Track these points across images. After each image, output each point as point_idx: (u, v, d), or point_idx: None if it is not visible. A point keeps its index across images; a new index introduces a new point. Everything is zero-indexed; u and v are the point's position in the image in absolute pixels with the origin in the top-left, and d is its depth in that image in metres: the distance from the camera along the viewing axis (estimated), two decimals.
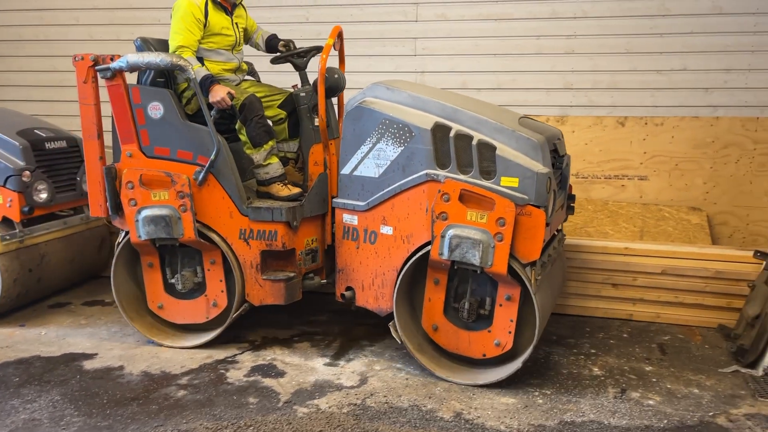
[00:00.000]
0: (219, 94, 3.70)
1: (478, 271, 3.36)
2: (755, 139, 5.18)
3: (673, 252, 4.33)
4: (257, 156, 3.86)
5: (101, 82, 3.79)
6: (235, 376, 3.63)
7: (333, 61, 4.17)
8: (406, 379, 3.60)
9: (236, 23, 4.07)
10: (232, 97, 3.73)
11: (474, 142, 3.36)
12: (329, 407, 3.27)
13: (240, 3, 4.13)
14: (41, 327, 4.34)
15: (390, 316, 3.68)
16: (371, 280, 3.71)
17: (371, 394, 3.41)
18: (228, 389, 3.47)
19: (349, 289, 3.81)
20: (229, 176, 3.76)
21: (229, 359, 3.84)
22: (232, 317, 3.87)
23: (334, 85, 3.91)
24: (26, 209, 4.36)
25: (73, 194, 4.80)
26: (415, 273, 3.62)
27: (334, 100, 4.25)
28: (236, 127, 3.88)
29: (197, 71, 3.72)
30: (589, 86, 5.58)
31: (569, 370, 3.70)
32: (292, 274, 3.84)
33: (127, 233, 3.90)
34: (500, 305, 3.43)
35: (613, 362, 3.80)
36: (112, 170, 3.84)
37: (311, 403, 3.32)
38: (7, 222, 4.37)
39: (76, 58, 3.79)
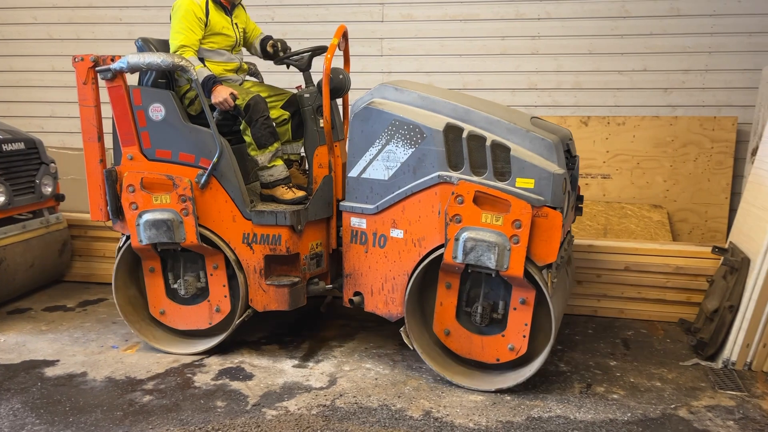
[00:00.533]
0: (222, 94, 3.63)
1: (493, 275, 3.30)
2: (712, 137, 5.32)
3: (635, 249, 4.43)
4: (262, 158, 3.79)
5: (101, 83, 3.70)
6: (203, 379, 3.58)
7: (337, 62, 4.10)
8: (376, 379, 3.60)
9: (236, 23, 4.01)
10: (234, 98, 3.66)
11: (488, 143, 3.27)
12: (298, 409, 3.26)
13: (239, 3, 4.07)
14: (0, 333, 4.22)
15: (399, 322, 3.61)
16: (381, 284, 3.62)
17: (340, 395, 3.40)
18: (195, 393, 3.42)
19: (357, 294, 3.71)
20: (232, 179, 3.68)
21: (197, 363, 3.79)
22: (236, 323, 3.78)
23: (338, 86, 3.80)
24: None
25: (31, 197, 4.68)
26: (425, 277, 3.54)
27: (339, 101, 4.13)
28: (241, 128, 3.79)
29: (199, 71, 3.64)
30: (553, 86, 5.67)
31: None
32: (296, 279, 3.75)
33: (128, 238, 3.81)
34: (514, 309, 3.35)
35: (579, 358, 3.87)
36: (112, 173, 3.74)
37: (280, 405, 3.30)
38: None
39: (76, 59, 3.69)
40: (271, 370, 3.70)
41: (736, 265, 3.79)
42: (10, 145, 4.54)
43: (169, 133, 3.69)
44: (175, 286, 3.88)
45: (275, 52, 4.11)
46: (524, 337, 3.36)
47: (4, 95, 6.51)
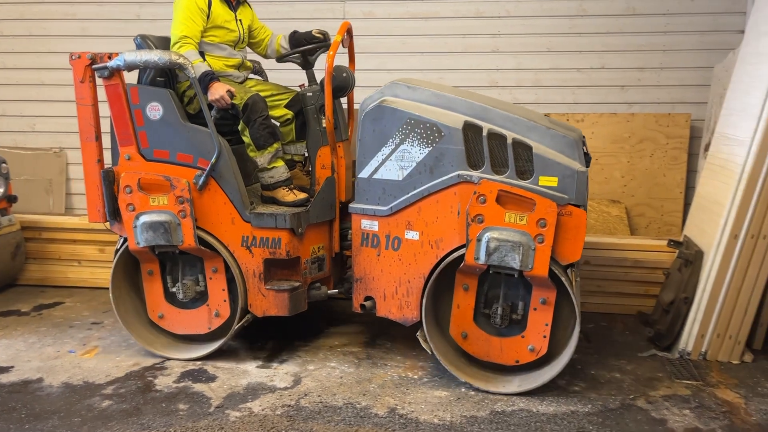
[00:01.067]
0: (218, 92, 3.54)
1: (516, 275, 3.25)
2: (667, 134, 5.46)
3: (595, 243, 4.51)
4: (261, 159, 3.70)
5: (99, 81, 3.58)
6: (164, 382, 3.52)
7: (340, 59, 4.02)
8: (341, 377, 3.59)
9: (240, 20, 3.91)
10: (232, 95, 3.57)
11: (509, 141, 3.22)
12: (263, 410, 3.23)
13: (245, 1, 4.00)
14: None
15: (414, 326, 3.54)
16: (394, 288, 3.53)
17: (305, 394, 3.39)
18: (156, 397, 3.36)
19: (368, 299, 3.61)
20: (231, 180, 3.58)
21: (158, 366, 3.72)
22: (235, 329, 3.69)
23: (342, 85, 3.69)
24: None
25: None
26: (437, 280, 3.45)
27: (343, 100, 4.03)
28: (239, 128, 3.70)
29: (197, 66, 3.55)
30: (514, 84, 5.74)
31: None
32: (297, 284, 3.66)
33: (125, 239, 3.70)
34: (534, 309, 3.30)
35: None
36: (110, 174, 3.63)
37: (244, 406, 3.26)
38: None
39: (73, 57, 3.57)
40: (234, 371, 3.66)
41: (690, 258, 3.89)
42: None
43: (167, 132, 3.59)
44: (174, 289, 3.78)
45: (326, 38, 3.93)
46: (545, 337, 3.31)
47: None
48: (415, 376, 3.59)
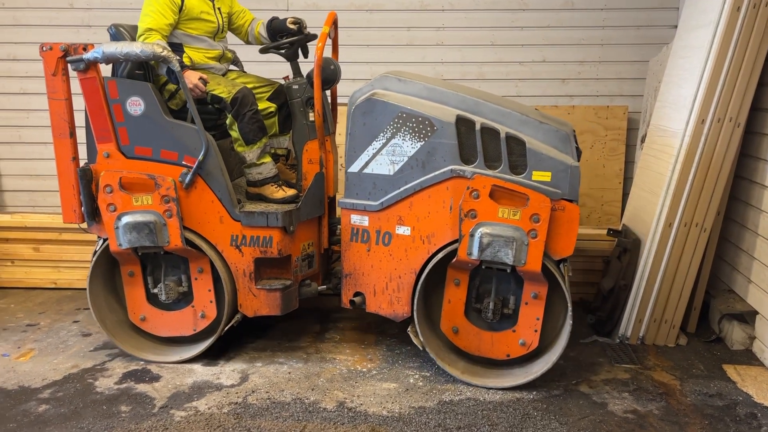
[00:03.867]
0: (191, 79, 3.41)
1: (508, 270, 3.26)
2: (606, 126, 5.62)
3: None
4: (250, 154, 3.59)
5: (73, 74, 3.37)
6: (105, 384, 3.42)
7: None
8: (289, 373, 3.56)
9: (218, 8, 3.77)
10: (205, 82, 3.45)
11: (502, 136, 3.21)
12: (209, 408, 3.17)
13: None
14: None
15: (405, 322, 3.53)
16: (384, 284, 3.50)
17: (253, 391, 3.35)
18: (97, 399, 3.26)
19: (357, 294, 3.58)
20: (219, 178, 3.46)
21: (98, 367, 3.61)
22: (223, 329, 3.59)
23: (330, 77, 3.61)
24: None
25: None
26: (430, 274, 3.43)
27: (327, 93, 3.93)
28: (227, 122, 3.58)
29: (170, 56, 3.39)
30: (459, 77, 5.78)
31: None
32: (288, 282, 3.59)
33: (105, 241, 3.52)
34: (526, 303, 3.32)
35: None
36: (87, 172, 3.45)
37: (189, 405, 3.20)
38: None
39: (44, 48, 3.36)
40: (179, 371, 3.58)
41: (628, 246, 4.02)
42: None
43: (150, 128, 3.44)
44: (156, 290, 3.65)
45: (300, 28, 3.82)
46: (536, 331, 3.34)
47: None
48: (364, 369, 3.60)
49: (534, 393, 3.35)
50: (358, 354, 3.80)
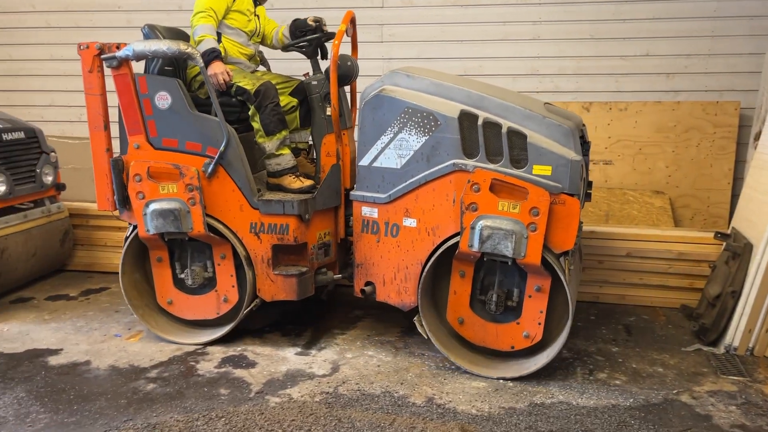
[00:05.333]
0: (216, 69, 3.62)
1: (509, 263, 3.28)
2: (715, 122, 5.29)
3: (637, 235, 4.42)
4: (269, 145, 3.76)
5: (107, 71, 3.66)
6: (206, 367, 3.59)
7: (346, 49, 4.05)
8: (378, 366, 3.61)
9: (258, 15, 4.04)
10: (229, 77, 3.65)
11: (504, 130, 3.24)
12: (301, 396, 3.27)
13: (262, 2, 4.12)
14: (3, 323, 4.23)
15: (412, 312, 3.60)
16: (393, 274, 3.60)
17: (343, 382, 3.41)
18: (199, 381, 3.44)
19: (368, 284, 3.68)
20: (240, 168, 3.64)
21: (199, 351, 3.80)
22: (243, 313, 3.77)
23: (347, 73, 3.74)
24: None
25: (32, 186, 4.68)
26: (436, 266, 3.50)
27: (347, 88, 4.07)
28: (249, 113, 3.77)
29: (207, 41, 3.63)
30: (555, 72, 5.63)
31: None
32: (304, 269, 3.72)
33: (135, 227, 3.80)
34: (529, 296, 3.35)
35: (581, 344, 3.87)
36: (119, 162, 3.72)
37: (283, 392, 3.31)
38: None
39: (81, 47, 3.66)
40: (273, 358, 3.71)
41: (738, 251, 3.78)
42: (10, 134, 4.53)
43: (176, 121, 3.65)
44: (183, 275, 3.87)
45: (319, 26, 3.97)
46: (539, 324, 3.35)
47: (3, 84, 6.48)
48: (453, 367, 3.59)
49: (631, 400, 3.22)
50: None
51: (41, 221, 4.79)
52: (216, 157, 3.62)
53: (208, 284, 3.89)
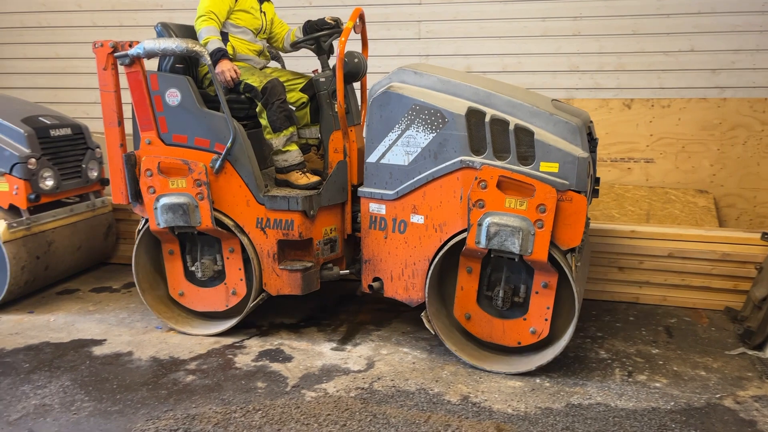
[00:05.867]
0: (224, 66, 3.69)
1: (516, 259, 3.29)
2: (763, 120, 5.14)
3: (679, 235, 4.32)
4: (276, 141, 3.82)
5: (121, 69, 3.77)
6: (243, 361, 3.65)
7: (357, 46, 4.10)
8: (413, 363, 3.61)
9: (264, 12, 4.09)
10: (236, 75, 3.71)
11: (511, 127, 3.25)
12: (337, 391, 3.29)
13: None
14: (50, 314, 4.37)
15: (420, 307, 3.63)
16: (401, 270, 3.62)
17: (378, 378, 3.43)
18: (236, 374, 3.49)
19: (376, 279, 3.72)
20: (246, 164, 3.71)
21: (237, 344, 3.86)
22: (250, 306, 3.85)
23: (353, 70, 3.80)
24: (32, 197, 4.38)
25: (78, 181, 4.81)
26: (443, 262, 3.53)
27: (357, 85, 4.13)
28: (257, 110, 3.84)
29: (212, 42, 3.70)
30: (595, 68, 5.54)
31: (576, 353, 3.71)
32: (309, 264, 3.77)
33: (147, 221, 3.90)
34: (536, 293, 3.35)
35: (620, 345, 3.81)
36: (131, 157, 3.82)
37: (319, 387, 3.34)
38: (14, 209, 4.38)
39: (96, 45, 3.78)
40: (309, 353, 3.74)
41: None
42: (58, 130, 4.67)
43: (185, 118, 3.74)
44: (193, 268, 3.96)
45: (337, 24, 4.04)
46: (546, 320, 3.36)
47: (50, 82, 6.69)
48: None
49: (672, 403, 3.15)
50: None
51: (86, 215, 4.92)
52: (223, 153, 3.69)
53: (218, 277, 3.97)
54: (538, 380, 3.39)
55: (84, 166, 4.85)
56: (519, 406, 3.14)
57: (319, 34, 3.99)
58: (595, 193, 3.93)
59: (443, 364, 3.59)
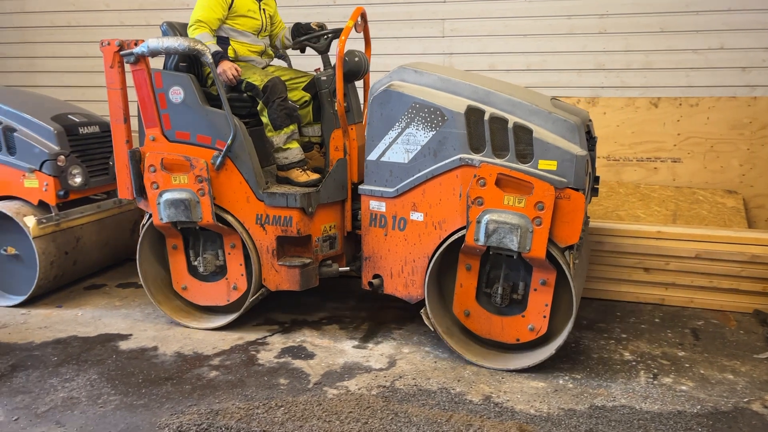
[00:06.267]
0: (225, 65, 3.75)
1: (515, 257, 3.32)
2: None
3: (707, 236, 4.24)
4: (277, 139, 3.87)
5: (127, 67, 3.85)
6: (266, 357, 3.68)
7: (359, 45, 4.14)
8: (435, 362, 3.60)
9: (264, 9, 4.11)
10: (238, 72, 3.77)
11: (510, 125, 3.28)
12: (359, 389, 3.30)
13: None
14: (78, 308, 4.45)
15: (419, 303, 3.66)
16: (400, 267, 3.67)
17: (400, 377, 3.43)
18: (259, 370, 3.52)
19: (376, 276, 3.76)
20: (246, 161, 3.76)
21: (260, 341, 3.89)
22: (250, 301, 3.90)
23: (354, 69, 3.84)
24: (62, 193, 4.45)
25: (106, 178, 4.88)
26: (443, 259, 3.57)
27: (360, 83, 4.19)
28: (258, 108, 3.88)
29: (209, 46, 3.76)
30: (622, 67, 5.47)
31: (599, 354, 3.67)
32: (308, 261, 3.83)
33: (150, 215, 3.97)
34: (534, 290, 3.38)
35: (645, 347, 3.76)
36: (136, 153, 3.90)
37: (341, 384, 3.35)
38: (44, 206, 4.47)
39: (103, 44, 3.87)
40: (331, 350, 3.76)
41: None
42: (86, 128, 4.74)
43: (188, 115, 3.80)
44: (196, 263, 4.03)
45: (321, 28, 4.13)
46: (544, 317, 3.39)
47: (79, 80, 6.80)
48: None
49: (698, 407, 3.10)
50: None
51: (113, 212, 4.99)
52: (224, 150, 3.74)
53: (220, 272, 4.03)
54: (561, 381, 3.36)
55: (111, 163, 4.92)
56: (542, 406, 3.12)
57: (319, 33, 4.06)
58: (594, 191, 3.96)
59: (465, 363, 3.57)
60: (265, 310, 4.33)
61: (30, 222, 4.29)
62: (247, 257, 3.92)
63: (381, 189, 3.63)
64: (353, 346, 3.81)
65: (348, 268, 4.01)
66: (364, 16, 3.94)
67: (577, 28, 5.50)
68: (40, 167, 4.39)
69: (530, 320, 3.42)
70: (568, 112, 3.38)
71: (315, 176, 3.89)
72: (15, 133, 4.40)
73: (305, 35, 4.13)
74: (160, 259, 4.19)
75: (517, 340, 3.49)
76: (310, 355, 3.70)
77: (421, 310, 3.63)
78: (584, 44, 5.51)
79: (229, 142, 3.72)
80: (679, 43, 5.30)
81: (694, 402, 3.16)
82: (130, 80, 3.84)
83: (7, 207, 4.34)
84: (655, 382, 3.36)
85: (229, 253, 3.94)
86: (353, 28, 3.75)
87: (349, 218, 3.92)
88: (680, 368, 3.50)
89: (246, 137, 3.76)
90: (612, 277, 4.44)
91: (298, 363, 3.60)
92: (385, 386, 3.33)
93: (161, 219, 3.85)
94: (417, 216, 3.56)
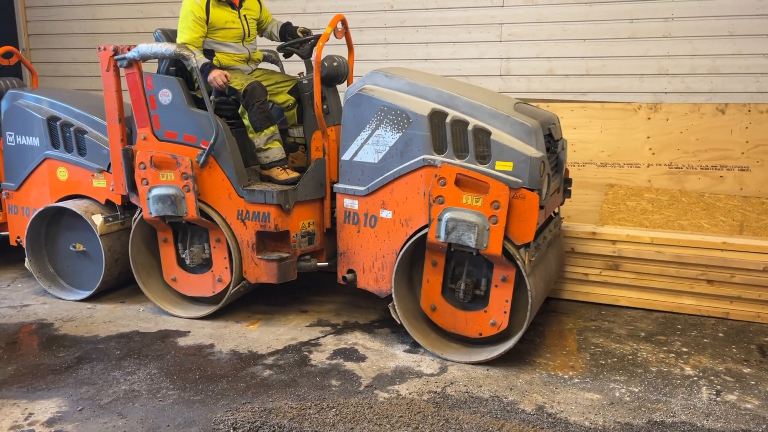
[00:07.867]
0: (215, 73, 3.92)
1: (474, 253, 3.44)
2: None
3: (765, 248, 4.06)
4: (258, 140, 4.06)
5: (122, 71, 4.09)
6: (318, 358, 3.72)
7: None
8: (486, 369, 3.57)
9: (244, 15, 4.24)
10: (227, 78, 3.92)
11: (470, 128, 3.42)
12: (409, 393, 3.30)
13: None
14: (139, 304, 4.61)
15: (390, 297, 3.77)
16: (371, 262, 3.83)
17: (451, 383, 3.41)
18: (311, 371, 3.56)
19: (350, 271, 3.92)
20: (228, 159, 3.96)
21: (313, 342, 3.95)
22: (230, 292, 4.09)
23: (332, 73, 4.03)
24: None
25: None
26: (415, 255, 3.73)
27: (342, 87, 4.28)
28: (239, 111, 4.09)
29: (199, 60, 3.94)
30: (687, 72, 5.30)
31: (658, 368, 3.56)
32: (285, 255, 4.00)
33: (141, 210, 4.21)
34: (496, 286, 3.52)
35: (707, 362, 3.62)
36: (129, 152, 4.17)
37: (392, 388, 3.36)
38: (110, 205, 4.65)
39: (100, 49, 4.14)
40: (383, 354, 3.77)
41: None
42: None
43: (176, 116, 4.03)
44: (184, 256, 4.22)
45: (306, 34, 4.32)
46: (505, 313, 3.52)
47: None
48: (565, 376, 3.48)
49: (764, 426, 2.97)
50: (559, 359, 3.68)
51: None
52: (207, 148, 3.94)
53: (206, 265, 4.24)
54: (617, 394, 3.27)
55: None
56: (597, 419, 3.05)
57: (299, 40, 4.23)
58: (567, 193, 4.15)
59: (518, 372, 3.53)
60: (318, 311, 4.38)
61: (98, 220, 4.48)
62: (231, 251, 4.08)
63: (354, 188, 3.80)
64: (404, 351, 3.82)
65: (327, 263, 4.15)
66: (344, 22, 4.09)
67: (640, 31, 5.36)
68: (108, 168, 4.57)
69: (492, 315, 3.55)
70: (529, 116, 3.52)
71: (294, 175, 4.06)
72: (86, 135, 4.60)
73: (290, 41, 4.29)
74: (152, 251, 4.41)
75: (480, 334, 3.62)
76: (361, 358, 3.72)
77: (389, 305, 3.79)
78: (647, 48, 5.37)
79: (212, 141, 3.93)
80: (748, 47, 5.10)
81: (759, 421, 3.02)
82: (124, 84, 4.10)
83: (76, 205, 4.54)
84: (718, 398, 3.23)
85: (215, 247, 4.13)
86: (332, 35, 3.90)
87: (328, 215, 4.07)
88: (745, 385, 3.36)
89: (229, 137, 3.97)
90: (672, 288, 4.29)
91: (349, 365, 3.63)
92: (436, 392, 3.31)
93: (150, 213, 4.09)
94: (386, 214, 3.72)
